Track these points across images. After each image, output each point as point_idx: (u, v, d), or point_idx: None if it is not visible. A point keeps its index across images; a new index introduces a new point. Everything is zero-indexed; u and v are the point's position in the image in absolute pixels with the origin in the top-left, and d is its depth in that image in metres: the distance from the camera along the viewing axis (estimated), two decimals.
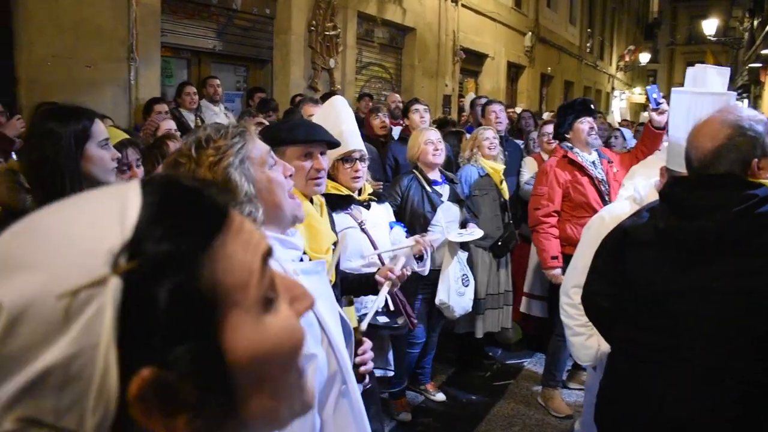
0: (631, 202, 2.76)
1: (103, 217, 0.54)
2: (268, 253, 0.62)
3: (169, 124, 5.09)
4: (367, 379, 2.07)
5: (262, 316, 0.60)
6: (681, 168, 2.16)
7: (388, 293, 2.73)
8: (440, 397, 4.67)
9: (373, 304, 2.61)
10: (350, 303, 2.98)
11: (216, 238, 0.56)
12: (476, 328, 4.79)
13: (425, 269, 3.19)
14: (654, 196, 2.26)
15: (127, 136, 2.60)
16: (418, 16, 11.36)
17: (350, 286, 2.77)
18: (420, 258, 3.16)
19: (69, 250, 0.52)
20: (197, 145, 1.57)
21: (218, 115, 6.98)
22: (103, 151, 2.18)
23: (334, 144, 2.46)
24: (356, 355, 1.97)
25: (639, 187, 2.80)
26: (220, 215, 0.58)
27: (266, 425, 0.64)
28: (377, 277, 2.66)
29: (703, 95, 2.62)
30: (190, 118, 6.36)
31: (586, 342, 2.81)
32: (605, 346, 2.42)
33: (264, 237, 0.63)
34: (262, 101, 6.84)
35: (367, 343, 2.11)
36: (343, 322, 1.87)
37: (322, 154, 2.34)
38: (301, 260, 1.83)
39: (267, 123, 4.76)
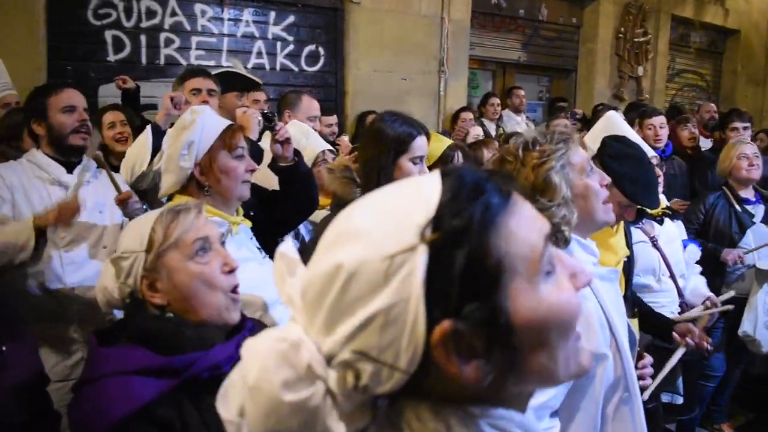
0: None
1: (412, 199, 0.70)
2: (550, 234, 0.73)
3: (477, 131, 5.41)
4: (646, 396, 2.02)
5: (541, 286, 0.70)
6: None
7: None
8: None
9: (665, 367, 2.51)
10: (634, 316, 2.88)
11: (501, 216, 0.68)
12: None
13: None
14: None
15: (451, 142, 2.86)
16: (743, 16, 10.26)
17: (644, 318, 2.69)
18: None
19: (387, 225, 0.68)
20: (524, 147, 1.72)
21: (520, 124, 7.16)
22: (414, 166, 2.26)
23: None
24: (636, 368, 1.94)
25: None
26: (505, 198, 0.70)
27: (543, 382, 0.74)
28: (675, 333, 2.58)
29: None
30: (491, 128, 6.64)
31: None
32: None
33: (546, 221, 0.74)
34: (559, 110, 6.88)
35: (648, 359, 2.07)
36: (630, 332, 1.87)
37: None
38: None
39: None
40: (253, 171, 2.12)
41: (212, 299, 1.42)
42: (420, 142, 2.28)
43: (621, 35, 8.35)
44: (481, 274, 0.66)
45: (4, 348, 1.76)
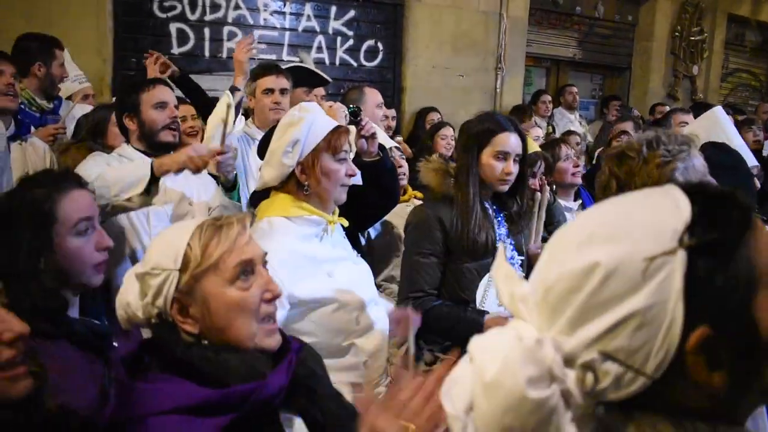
0: None
1: (663, 207, 0.71)
2: None
3: (537, 132, 5.33)
4: None
5: None
6: None
7: None
8: None
9: None
10: None
11: (749, 230, 0.70)
12: None
13: None
14: None
15: (539, 149, 2.80)
16: None
17: None
18: None
19: (645, 227, 0.69)
20: (649, 145, 1.71)
21: (573, 123, 7.07)
22: (497, 162, 2.34)
23: None
24: None
25: None
26: (749, 215, 0.71)
27: None
28: None
29: None
30: (542, 125, 6.55)
31: None
32: None
33: None
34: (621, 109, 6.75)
35: None
36: None
37: None
38: None
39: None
40: (352, 176, 2.09)
41: (249, 329, 1.24)
42: (503, 137, 2.32)
43: (677, 33, 8.19)
44: (734, 284, 0.67)
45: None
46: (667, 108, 6.86)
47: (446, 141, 4.52)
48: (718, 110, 3.12)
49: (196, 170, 2.47)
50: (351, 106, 2.79)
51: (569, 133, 5.76)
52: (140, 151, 2.73)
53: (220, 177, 2.66)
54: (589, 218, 0.74)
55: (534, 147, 2.81)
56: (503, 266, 0.77)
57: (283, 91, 3.41)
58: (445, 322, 2.27)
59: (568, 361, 0.68)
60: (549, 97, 6.77)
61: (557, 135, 5.78)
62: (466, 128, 2.43)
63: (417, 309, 2.22)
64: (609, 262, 0.67)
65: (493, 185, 2.35)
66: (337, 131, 2.05)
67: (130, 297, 1.28)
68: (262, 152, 2.75)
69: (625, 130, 4.94)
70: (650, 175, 1.68)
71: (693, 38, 8.32)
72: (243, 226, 1.29)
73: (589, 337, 0.67)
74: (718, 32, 8.75)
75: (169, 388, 1.18)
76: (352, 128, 2.59)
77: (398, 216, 3.08)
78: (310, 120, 2.01)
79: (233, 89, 3.08)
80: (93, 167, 2.49)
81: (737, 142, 2.83)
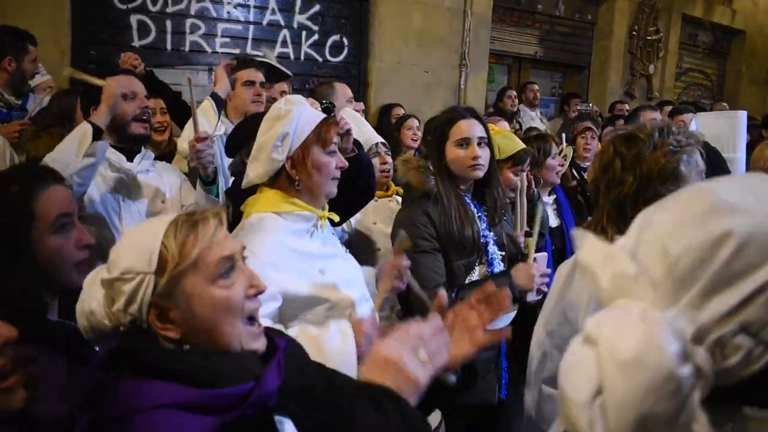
0: None
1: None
2: None
3: (503, 125, 5.35)
4: None
5: None
6: None
7: None
8: None
9: None
10: None
11: None
12: None
13: None
14: None
15: (524, 146, 2.82)
16: (749, 18, 10.34)
17: None
18: None
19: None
20: (660, 132, 1.73)
21: (534, 120, 7.14)
22: (460, 150, 2.38)
23: None
24: None
25: None
26: None
27: None
28: None
29: None
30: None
31: None
32: None
33: None
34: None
35: None
36: None
37: None
38: None
39: None
40: (343, 168, 2.04)
41: (234, 329, 1.17)
42: (461, 125, 2.38)
43: (634, 33, 8.35)
44: None
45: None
46: (626, 106, 7.01)
47: (412, 131, 4.53)
48: (742, 115, 3.11)
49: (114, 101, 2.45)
50: (324, 102, 2.75)
51: (531, 129, 5.81)
52: (111, 146, 2.64)
53: (199, 170, 2.57)
54: (701, 193, 0.72)
55: (519, 143, 2.82)
56: (598, 246, 0.73)
57: (262, 84, 3.36)
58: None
59: (697, 338, 0.65)
60: (514, 93, 6.83)
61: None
62: (428, 127, 2.45)
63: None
64: (742, 231, 0.65)
65: (466, 174, 2.36)
66: (327, 123, 1.99)
67: (93, 305, 1.19)
68: (230, 147, 2.69)
69: (589, 126, 5.02)
70: (657, 162, 1.69)
71: (649, 38, 8.51)
72: (219, 221, 1.21)
73: (722, 310, 0.64)
74: (673, 32, 8.96)
75: (155, 386, 1.08)
76: None
77: (380, 212, 3.05)
78: (298, 112, 1.94)
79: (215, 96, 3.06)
80: None
81: (740, 155, 2.82)
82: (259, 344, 1.22)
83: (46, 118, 3.22)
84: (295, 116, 1.92)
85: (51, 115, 3.18)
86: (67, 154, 2.30)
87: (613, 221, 1.74)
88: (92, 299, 1.19)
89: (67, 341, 1.46)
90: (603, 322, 0.68)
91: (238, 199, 2.08)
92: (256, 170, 1.95)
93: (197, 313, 1.14)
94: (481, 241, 2.36)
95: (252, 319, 1.22)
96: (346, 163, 2.08)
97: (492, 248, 2.39)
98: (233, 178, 2.77)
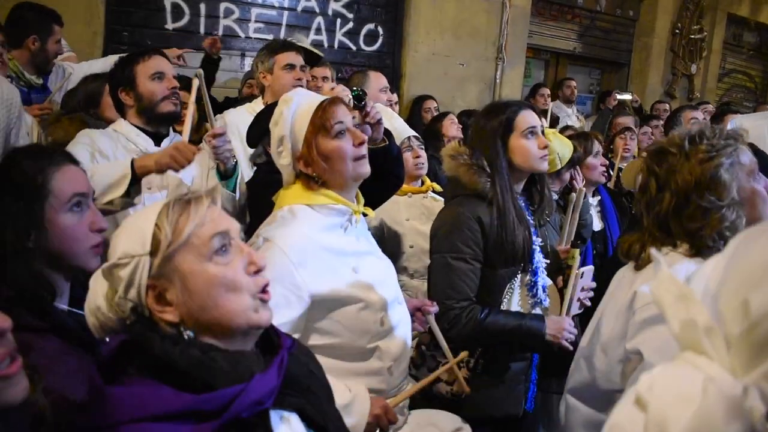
0: None
1: None
2: None
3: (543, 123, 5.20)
4: None
5: None
6: None
7: None
8: None
9: None
10: None
11: None
12: None
13: None
14: None
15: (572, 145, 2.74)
16: None
17: None
18: None
19: None
20: (691, 140, 1.61)
21: (570, 117, 6.97)
22: (528, 140, 2.24)
23: None
24: None
25: None
26: None
27: None
28: None
29: None
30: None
31: None
32: None
33: None
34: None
35: None
36: None
37: None
38: None
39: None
40: (363, 143, 1.87)
41: (237, 305, 1.14)
42: (525, 115, 2.26)
43: (677, 31, 8.11)
44: None
45: None
46: (666, 106, 6.80)
47: (456, 125, 4.41)
48: None
49: (180, 168, 2.28)
50: (355, 89, 2.65)
51: (566, 128, 5.68)
52: (138, 127, 2.59)
53: (219, 166, 2.50)
54: None
55: (570, 144, 2.71)
56: (671, 282, 0.61)
57: (302, 68, 3.29)
58: (503, 335, 2.16)
59: None
60: (547, 90, 6.65)
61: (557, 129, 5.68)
62: (481, 125, 2.29)
63: (466, 320, 2.12)
64: None
65: (533, 166, 2.23)
66: (320, 107, 1.83)
67: (100, 300, 1.16)
68: (250, 137, 2.61)
69: (629, 126, 4.86)
70: (692, 172, 1.58)
71: (693, 36, 8.26)
72: (212, 200, 1.19)
73: None
74: (717, 31, 8.70)
75: (145, 393, 1.06)
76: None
77: (413, 208, 2.96)
78: (289, 111, 1.82)
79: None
80: (79, 153, 2.31)
81: None
82: (264, 317, 1.18)
83: (71, 101, 3.16)
84: (286, 116, 1.80)
85: (77, 99, 3.11)
86: (96, 187, 2.20)
87: (658, 240, 1.65)
88: (98, 294, 1.17)
89: (77, 331, 1.39)
90: (658, 384, 0.59)
91: (261, 190, 1.99)
92: (284, 180, 1.88)
93: (193, 291, 1.12)
94: (532, 247, 2.24)
95: (264, 291, 1.19)
96: (365, 137, 1.92)
97: (537, 256, 2.26)
98: (255, 168, 2.69)
